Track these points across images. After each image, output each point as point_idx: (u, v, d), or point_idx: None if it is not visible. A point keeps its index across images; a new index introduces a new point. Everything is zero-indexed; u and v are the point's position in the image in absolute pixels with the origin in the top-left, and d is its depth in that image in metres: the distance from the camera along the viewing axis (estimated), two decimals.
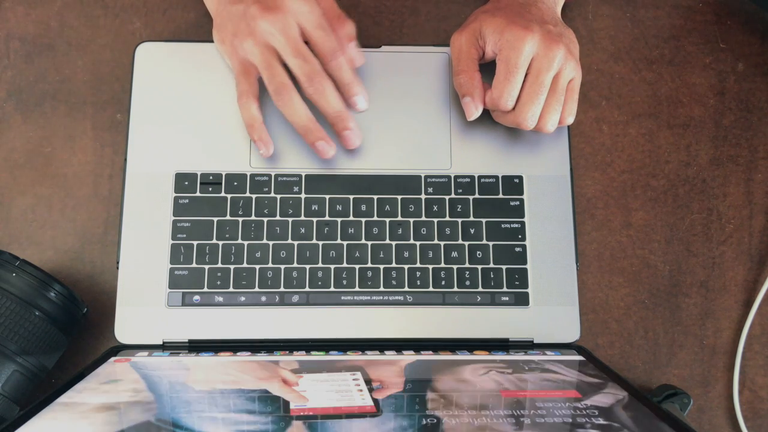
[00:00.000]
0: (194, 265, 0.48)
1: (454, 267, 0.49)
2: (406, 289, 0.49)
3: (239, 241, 0.49)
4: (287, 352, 0.46)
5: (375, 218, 0.50)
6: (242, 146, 0.51)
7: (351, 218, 0.50)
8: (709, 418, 0.50)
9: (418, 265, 0.49)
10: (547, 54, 0.45)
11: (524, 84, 0.46)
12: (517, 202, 0.50)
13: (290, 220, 0.49)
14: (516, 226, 0.50)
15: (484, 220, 0.50)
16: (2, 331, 0.41)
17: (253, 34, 0.45)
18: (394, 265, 0.49)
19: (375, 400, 0.37)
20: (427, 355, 0.46)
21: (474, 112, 0.48)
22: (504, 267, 0.49)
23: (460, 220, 0.50)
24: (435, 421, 0.35)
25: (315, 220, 0.50)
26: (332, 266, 0.49)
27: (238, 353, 0.46)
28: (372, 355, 0.46)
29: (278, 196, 0.50)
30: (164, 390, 0.40)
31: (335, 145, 0.48)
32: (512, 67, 0.45)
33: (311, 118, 0.47)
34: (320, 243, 0.49)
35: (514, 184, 0.51)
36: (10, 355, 0.41)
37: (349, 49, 0.47)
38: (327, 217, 0.50)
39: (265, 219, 0.49)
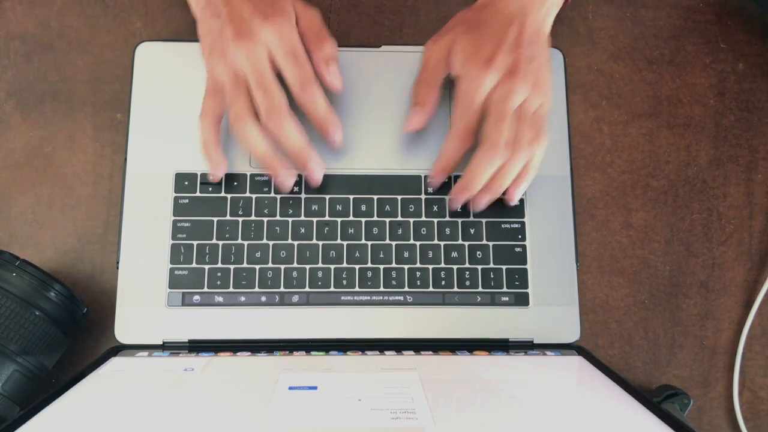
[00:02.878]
0: (194, 265, 0.48)
1: (454, 267, 0.49)
2: (406, 289, 0.49)
3: (239, 241, 0.49)
4: (287, 352, 0.46)
5: (375, 218, 0.50)
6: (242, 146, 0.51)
7: (351, 218, 0.50)
8: (709, 418, 0.50)
9: (418, 265, 0.49)
10: (504, 86, 0.45)
11: (488, 114, 0.46)
12: (517, 202, 0.50)
13: (290, 220, 0.49)
14: (516, 226, 0.50)
15: (484, 220, 0.50)
16: (2, 331, 0.41)
17: (224, 57, 0.45)
18: (394, 265, 0.49)
19: None
20: (427, 355, 0.46)
21: (415, 122, 0.48)
22: (504, 267, 0.49)
23: (460, 220, 0.50)
24: None
25: (315, 220, 0.50)
26: (332, 266, 0.49)
27: (238, 353, 0.46)
28: (372, 355, 0.46)
29: (278, 196, 0.50)
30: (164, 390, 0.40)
31: (295, 174, 0.48)
32: (468, 101, 0.45)
33: (267, 150, 0.45)
34: (320, 243, 0.49)
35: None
36: (10, 355, 0.41)
37: (328, 73, 0.46)
38: (327, 217, 0.50)
39: (265, 219, 0.49)
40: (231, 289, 0.48)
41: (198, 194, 0.50)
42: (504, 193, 0.48)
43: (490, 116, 0.45)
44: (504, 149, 0.45)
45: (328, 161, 0.50)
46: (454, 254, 0.49)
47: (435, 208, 0.50)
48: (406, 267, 0.49)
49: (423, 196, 0.50)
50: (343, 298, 0.49)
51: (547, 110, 0.47)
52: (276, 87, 0.44)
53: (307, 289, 0.49)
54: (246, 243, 0.49)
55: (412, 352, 0.46)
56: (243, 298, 0.48)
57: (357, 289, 0.49)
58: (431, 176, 0.49)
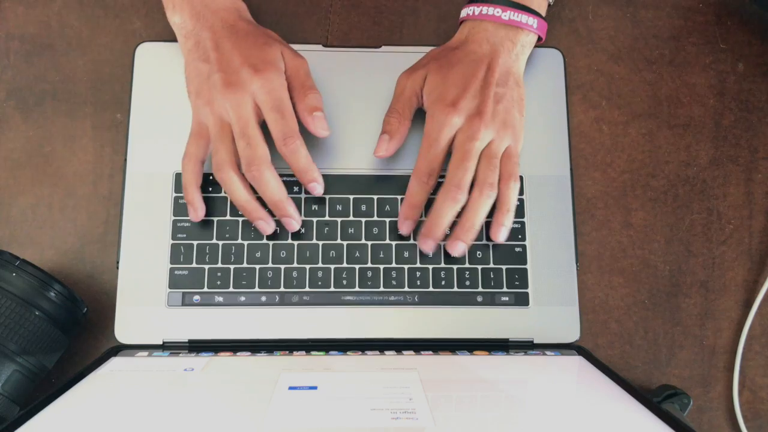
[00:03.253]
0: (194, 265, 0.48)
1: (454, 267, 0.49)
2: (406, 289, 0.49)
3: (239, 241, 0.49)
4: (287, 352, 0.46)
5: (375, 218, 0.50)
6: None
7: (351, 218, 0.50)
8: (709, 418, 0.50)
9: (418, 265, 0.49)
10: (469, 127, 0.46)
11: (452, 156, 0.46)
12: (517, 202, 0.50)
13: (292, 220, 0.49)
14: (516, 226, 0.50)
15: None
16: (2, 331, 0.41)
17: (211, 104, 0.45)
18: (394, 265, 0.49)
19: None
20: (427, 355, 0.46)
21: (382, 151, 0.48)
22: (504, 267, 0.49)
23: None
24: None
25: (315, 220, 0.50)
26: (332, 266, 0.49)
27: (238, 353, 0.46)
28: (372, 355, 0.46)
29: None
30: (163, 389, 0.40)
31: (273, 224, 0.48)
32: (431, 141, 0.46)
33: (248, 199, 0.46)
34: (320, 243, 0.49)
35: (519, 181, 0.50)
36: (10, 355, 0.41)
37: (313, 123, 0.46)
38: (327, 217, 0.50)
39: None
40: (231, 289, 0.48)
41: None
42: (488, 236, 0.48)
43: (453, 157, 0.46)
44: (462, 190, 0.45)
45: (328, 161, 0.51)
46: None
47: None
48: (406, 267, 0.49)
49: None
50: (343, 298, 0.49)
51: (517, 148, 0.48)
52: (259, 139, 0.45)
53: (307, 289, 0.49)
54: (246, 243, 0.49)
55: (412, 352, 0.46)
56: (243, 298, 0.48)
57: (357, 289, 0.49)
58: (399, 224, 0.49)
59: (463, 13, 0.50)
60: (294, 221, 0.48)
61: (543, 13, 0.50)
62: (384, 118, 0.49)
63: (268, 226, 0.48)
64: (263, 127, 0.46)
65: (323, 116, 0.47)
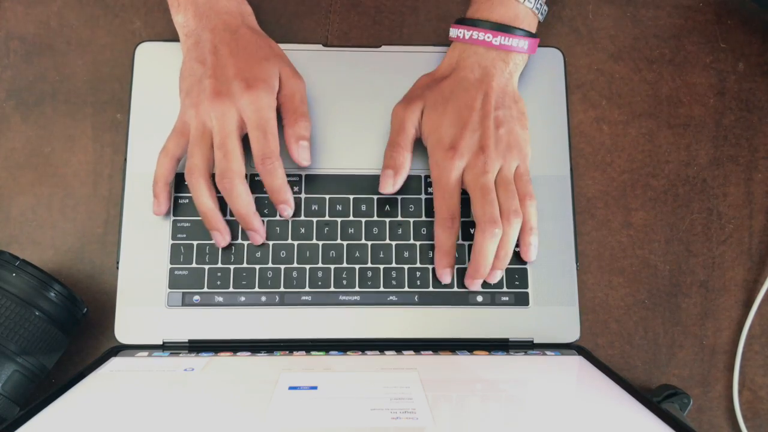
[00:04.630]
0: (194, 265, 0.48)
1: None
2: (406, 289, 0.49)
3: (239, 241, 0.49)
4: (287, 352, 0.46)
5: (375, 218, 0.50)
6: None
7: (351, 218, 0.50)
8: (709, 418, 0.50)
9: (418, 265, 0.49)
10: (476, 164, 0.46)
11: (471, 195, 0.47)
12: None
13: (290, 220, 0.49)
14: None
15: None
16: (2, 331, 0.41)
17: (197, 107, 0.46)
18: (394, 265, 0.49)
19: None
20: (427, 355, 0.46)
21: (389, 187, 0.48)
22: None
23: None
24: None
25: (315, 220, 0.50)
26: (332, 266, 0.49)
27: (238, 353, 0.46)
28: (372, 355, 0.46)
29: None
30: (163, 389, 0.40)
31: (229, 238, 0.48)
32: (442, 188, 0.47)
33: (211, 208, 0.46)
34: (320, 243, 0.49)
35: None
36: (10, 355, 0.41)
37: (297, 151, 0.47)
38: (327, 217, 0.50)
39: (265, 219, 0.49)
40: (231, 289, 0.48)
41: None
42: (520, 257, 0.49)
43: (473, 196, 0.46)
44: (498, 224, 0.46)
45: (328, 161, 0.51)
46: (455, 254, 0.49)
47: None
48: (406, 267, 0.49)
49: (423, 196, 0.50)
50: (343, 298, 0.49)
51: (526, 166, 0.48)
52: (236, 153, 0.45)
53: (307, 289, 0.49)
54: (246, 243, 0.49)
55: (412, 352, 0.46)
56: (243, 298, 0.48)
57: (357, 289, 0.49)
58: (438, 274, 0.49)
59: (453, 33, 0.50)
60: (258, 235, 0.48)
61: (533, 30, 0.49)
62: (385, 153, 0.49)
63: (222, 239, 0.48)
64: (244, 140, 0.46)
65: (308, 146, 0.48)
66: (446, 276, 0.48)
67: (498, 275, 0.48)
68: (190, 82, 0.47)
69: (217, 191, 0.47)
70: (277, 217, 0.49)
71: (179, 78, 0.48)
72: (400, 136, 0.49)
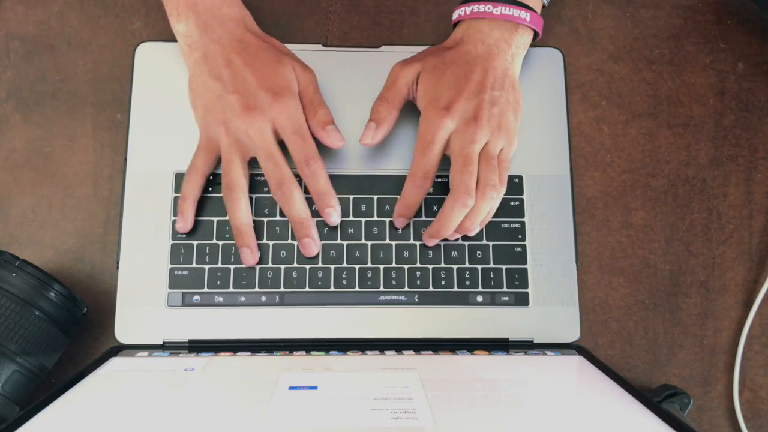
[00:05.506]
0: (194, 265, 0.48)
1: (454, 267, 0.49)
2: (406, 289, 0.49)
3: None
4: (287, 352, 0.46)
5: (375, 218, 0.50)
6: None
7: (351, 218, 0.50)
8: (709, 418, 0.50)
9: (418, 265, 0.49)
10: (465, 131, 0.46)
11: (452, 161, 0.46)
12: (517, 202, 0.50)
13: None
14: (516, 226, 0.50)
15: None
16: (2, 331, 0.41)
17: (226, 125, 0.46)
18: (394, 265, 0.49)
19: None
20: (427, 355, 0.46)
21: (369, 138, 0.48)
22: (504, 267, 0.49)
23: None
24: None
25: (315, 220, 0.50)
26: (332, 266, 0.49)
27: (238, 353, 0.46)
28: (372, 355, 0.46)
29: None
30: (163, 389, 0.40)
31: (259, 256, 0.48)
32: (425, 144, 0.46)
33: (248, 224, 0.47)
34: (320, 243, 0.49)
35: (513, 184, 0.51)
36: (10, 355, 0.41)
37: (327, 137, 0.47)
38: None
39: (265, 219, 0.49)
40: (231, 289, 0.48)
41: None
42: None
43: (455, 163, 0.46)
44: (471, 195, 0.46)
45: (328, 161, 0.51)
46: (454, 254, 0.49)
47: (435, 208, 0.50)
48: (406, 267, 0.49)
49: None
50: (343, 298, 0.49)
51: (510, 152, 0.48)
52: (285, 160, 0.46)
53: (307, 289, 0.49)
54: None
55: (412, 352, 0.46)
56: (243, 298, 0.48)
57: (357, 289, 0.49)
58: (394, 219, 0.49)
59: (455, 14, 0.50)
60: (314, 244, 0.48)
61: (537, 9, 0.49)
62: (373, 106, 0.49)
63: (252, 258, 0.48)
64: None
65: (336, 128, 0.48)
66: (399, 223, 0.49)
67: (454, 237, 0.49)
68: (208, 98, 0.46)
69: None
70: (278, 217, 0.49)
71: (189, 91, 0.48)
72: (389, 91, 0.49)
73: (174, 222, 0.49)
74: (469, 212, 0.46)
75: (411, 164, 0.47)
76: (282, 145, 0.47)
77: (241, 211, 0.47)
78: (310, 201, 0.48)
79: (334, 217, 0.48)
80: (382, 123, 0.48)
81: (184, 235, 0.49)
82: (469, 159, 0.46)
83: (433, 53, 0.49)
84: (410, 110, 0.50)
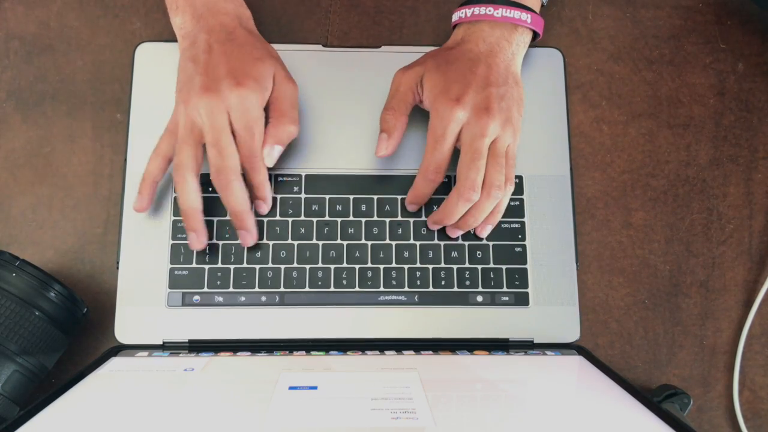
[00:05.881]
0: (194, 265, 0.48)
1: (454, 267, 0.49)
2: (406, 289, 0.49)
3: (239, 240, 0.49)
4: (287, 352, 0.46)
5: (375, 218, 0.50)
6: None
7: (351, 218, 0.50)
8: (709, 418, 0.50)
9: (418, 265, 0.49)
10: (477, 123, 0.45)
11: (462, 153, 0.46)
12: (517, 202, 0.50)
13: (290, 220, 0.49)
14: (516, 226, 0.50)
15: None
16: (2, 331, 0.41)
17: (186, 104, 0.45)
18: (394, 265, 0.49)
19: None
20: (427, 355, 0.46)
21: (383, 150, 0.48)
22: (504, 267, 0.49)
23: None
24: None
25: (315, 220, 0.50)
26: (332, 266, 0.49)
27: (238, 353, 0.46)
28: (372, 355, 0.46)
29: (278, 196, 0.50)
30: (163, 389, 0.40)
31: (205, 242, 0.47)
32: (437, 137, 0.46)
33: (195, 207, 0.46)
34: (320, 243, 0.49)
35: (514, 184, 0.51)
36: (10, 355, 0.41)
37: (268, 151, 0.46)
38: (327, 217, 0.50)
39: (265, 219, 0.49)
40: (231, 289, 0.48)
41: None
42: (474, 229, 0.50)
43: (464, 156, 0.46)
44: (477, 191, 0.46)
45: (328, 161, 0.51)
46: (454, 254, 0.49)
47: (435, 208, 0.50)
48: (406, 267, 0.49)
49: None
50: (343, 298, 0.49)
51: (515, 148, 0.48)
52: (231, 149, 0.45)
53: (307, 289, 0.49)
54: None
55: (412, 352, 0.46)
56: (243, 298, 0.48)
57: (357, 289, 0.49)
58: (406, 204, 0.50)
59: (455, 16, 0.50)
60: (250, 236, 0.48)
61: (536, 10, 0.49)
62: (381, 116, 0.49)
63: (198, 242, 0.47)
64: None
65: (280, 151, 0.47)
66: (411, 209, 0.50)
67: (456, 234, 0.49)
68: (182, 79, 0.46)
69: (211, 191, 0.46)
70: (278, 217, 0.49)
71: (176, 79, 0.48)
72: (394, 99, 0.49)
73: (174, 222, 0.49)
74: (473, 208, 0.46)
75: (423, 158, 0.47)
76: None
77: (188, 193, 0.45)
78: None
79: (263, 208, 0.49)
80: (392, 132, 0.48)
81: (184, 235, 0.49)
82: (479, 154, 0.45)
83: (434, 55, 0.49)
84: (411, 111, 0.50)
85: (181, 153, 0.45)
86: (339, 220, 0.50)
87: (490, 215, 0.48)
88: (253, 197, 0.48)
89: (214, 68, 0.45)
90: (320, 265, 0.49)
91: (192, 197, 0.45)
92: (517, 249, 0.50)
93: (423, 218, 0.50)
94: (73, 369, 0.48)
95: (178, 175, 0.45)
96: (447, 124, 0.45)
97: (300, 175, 0.50)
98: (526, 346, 0.48)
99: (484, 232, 0.50)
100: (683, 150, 0.54)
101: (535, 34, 0.50)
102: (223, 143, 0.44)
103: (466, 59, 0.47)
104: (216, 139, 0.44)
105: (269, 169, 0.47)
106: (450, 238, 0.50)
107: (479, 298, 0.49)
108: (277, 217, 0.49)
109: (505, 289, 0.49)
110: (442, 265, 0.49)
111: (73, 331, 0.46)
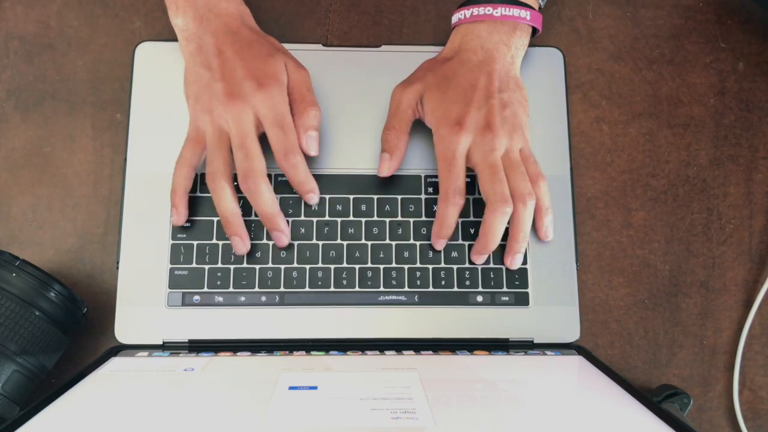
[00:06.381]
0: (194, 265, 0.48)
1: (454, 267, 0.49)
2: (406, 289, 0.49)
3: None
4: (287, 352, 0.46)
5: (375, 218, 0.50)
6: None
7: (351, 218, 0.50)
8: (709, 418, 0.50)
9: (418, 265, 0.49)
10: (483, 141, 0.46)
11: (478, 174, 0.46)
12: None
13: (290, 220, 0.49)
14: None
15: None
16: (2, 331, 0.41)
17: (210, 112, 0.45)
18: (394, 265, 0.49)
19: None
20: (427, 355, 0.46)
21: (385, 170, 0.48)
22: (504, 267, 0.49)
23: (460, 219, 0.50)
24: None
25: (315, 220, 0.50)
26: (332, 266, 0.49)
27: (238, 353, 0.46)
28: (372, 355, 0.46)
29: (278, 196, 0.50)
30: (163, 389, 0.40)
31: (250, 245, 0.48)
32: (448, 163, 0.46)
33: (234, 212, 0.46)
34: (320, 243, 0.49)
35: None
36: (10, 355, 0.41)
37: (305, 141, 0.46)
38: (327, 217, 0.50)
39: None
40: (231, 289, 0.48)
41: (198, 194, 0.50)
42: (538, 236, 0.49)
43: (481, 175, 0.46)
44: (509, 202, 0.46)
45: (329, 161, 0.51)
46: (454, 254, 0.49)
47: (435, 207, 0.50)
48: (406, 267, 0.49)
49: (423, 196, 0.50)
50: (343, 298, 0.49)
51: (529, 147, 0.48)
52: (257, 152, 0.45)
53: (307, 289, 0.49)
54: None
55: (412, 352, 0.46)
56: (243, 298, 0.48)
57: (357, 289, 0.49)
58: (433, 242, 0.49)
59: (455, 18, 0.50)
60: (284, 236, 0.48)
61: (534, 7, 0.49)
62: (382, 136, 0.49)
63: (243, 246, 0.47)
64: (262, 138, 0.46)
65: (317, 136, 0.47)
66: (441, 245, 0.49)
67: (518, 259, 0.48)
68: (198, 88, 0.46)
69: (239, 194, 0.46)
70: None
71: (184, 84, 0.48)
72: (395, 118, 0.49)
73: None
74: (515, 223, 0.47)
75: (440, 186, 0.47)
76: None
77: (226, 199, 0.46)
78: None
79: (314, 199, 0.48)
80: (394, 152, 0.48)
81: (184, 235, 0.49)
82: (495, 167, 0.46)
83: (432, 69, 0.49)
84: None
85: (214, 161, 0.45)
86: (339, 220, 0.50)
87: (538, 214, 0.48)
88: (301, 192, 0.48)
89: (231, 72, 0.45)
90: (320, 265, 0.49)
91: (231, 203, 0.46)
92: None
93: (423, 218, 0.50)
94: (73, 369, 0.48)
95: (215, 182, 0.45)
96: (455, 148, 0.46)
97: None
98: (526, 346, 0.48)
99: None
100: (683, 150, 0.54)
101: (534, 31, 0.50)
102: (249, 146, 0.45)
103: (465, 71, 0.47)
104: (242, 142, 0.45)
105: (308, 159, 0.47)
106: (449, 238, 0.49)
107: (479, 298, 0.49)
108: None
109: (505, 289, 0.49)
110: (442, 265, 0.49)
111: (73, 331, 0.46)
